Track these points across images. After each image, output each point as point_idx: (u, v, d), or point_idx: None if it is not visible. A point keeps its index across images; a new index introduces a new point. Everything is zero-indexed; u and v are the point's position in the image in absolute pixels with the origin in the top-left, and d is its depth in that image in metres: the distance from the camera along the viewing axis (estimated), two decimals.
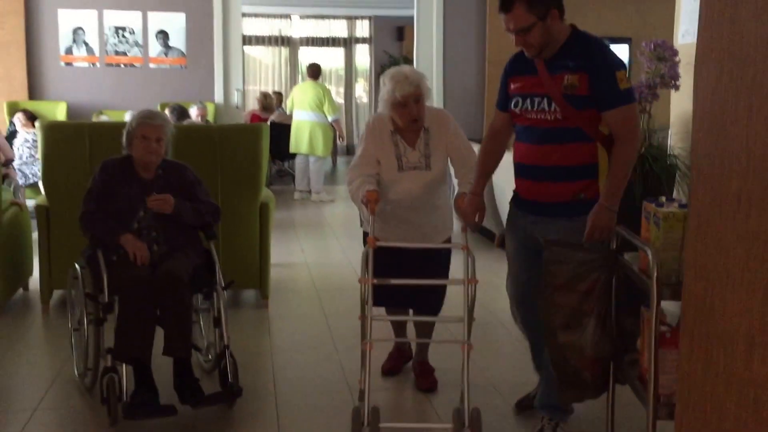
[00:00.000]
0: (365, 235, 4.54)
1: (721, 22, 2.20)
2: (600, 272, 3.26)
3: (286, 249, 8.25)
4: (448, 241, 4.53)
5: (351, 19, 18.94)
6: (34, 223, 6.12)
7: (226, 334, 4.31)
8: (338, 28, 19.12)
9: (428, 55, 11.70)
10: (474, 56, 11.73)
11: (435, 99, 11.46)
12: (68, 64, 10.98)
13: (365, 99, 19.17)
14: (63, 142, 5.79)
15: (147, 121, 4.46)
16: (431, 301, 4.48)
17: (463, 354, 3.82)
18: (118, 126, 4.93)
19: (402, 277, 4.15)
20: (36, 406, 4.29)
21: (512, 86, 3.86)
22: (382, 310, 4.59)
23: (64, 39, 10.90)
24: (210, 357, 4.65)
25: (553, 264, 3.31)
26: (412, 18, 12.16)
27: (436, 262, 4.46)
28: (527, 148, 3.81)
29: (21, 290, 6.36)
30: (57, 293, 6.10)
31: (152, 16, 10.97)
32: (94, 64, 11.01)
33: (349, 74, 19.24)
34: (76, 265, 4.53)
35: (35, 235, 6.14)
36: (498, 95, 4.01)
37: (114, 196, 4.39)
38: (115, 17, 10.92)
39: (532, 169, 3.81)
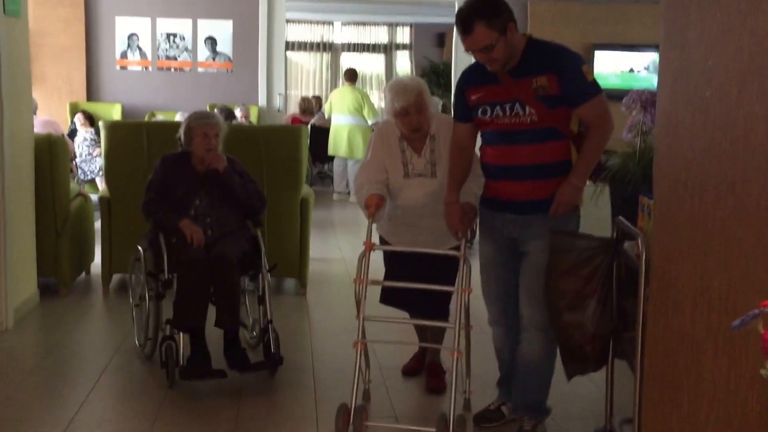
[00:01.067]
0: (381, 238, 4.67)
1: (674, 47, 2.72)
2: (601, 258, 3.61)
3: (325, 245, 8.77)
4: (458, 247, 4.25)
5: (392, 25, 19.30)
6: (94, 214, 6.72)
7: (270, 311, 4.86)
8: (379, 35, 19.59)
9: (467, 61, 11.94)
10: None
11: None
12: (123, 68, 11.61)
13: None
14: (123, 139, 6.39)
15: (206, 120, 5.03)
16: (436, 305, 4.49)
17: (453, 361, 3.82)
18: (172, 125, 5.52)
19: (412, 281, 4.16)
20: (102, 370, 4.89)
21: (472, 97, 3.97)
22: (387, 310, 4.64)
23: (120, 44, 11.53)
24: (254, 333, 5.19)
25: (558, 251, 3.67)
26: (452, 24, 12.47)
27: (443, 267, 4.33)
28: (502, 150, 3.94)
29: (84, 274, 6.97)
30: (116, 277, 6.70)
31: (201, 23, 11.55)
32: (146, 68, 11.62)
33: (390, 80, 19.71)
34: (139, 248, 5.11)
35: (96, 225, 6.75)
36: (455, 107, 4.14)
37: (173, 187, 4.95)
38: (167, 24, 11.52)
39: (510, 170, 3.93)
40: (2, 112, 5.40)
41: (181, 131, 5.06)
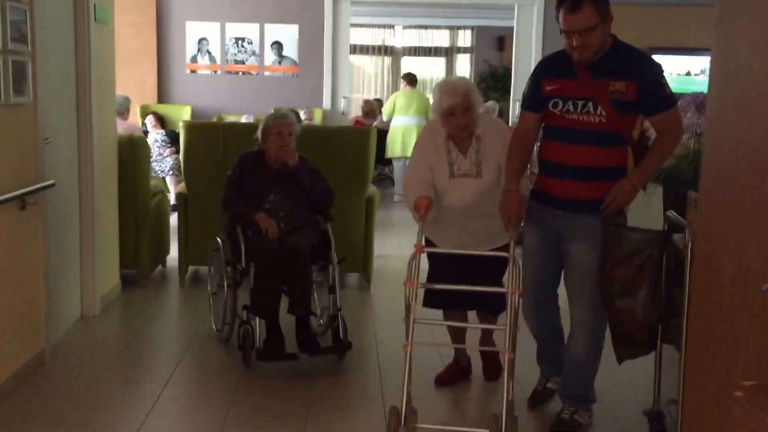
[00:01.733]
0: (426, 239, 4.60)
1: (724, 50, 3.03)
2: (651, 250, 3.86)
3: (386, 243, 9.10)
4: (506, 247, 4.28)
5: (453, 29, 19.61)
6: None
7: (339, 300, 5.24)
8: (441, 38, 19.90)
9: (527, 64, 12.05)
10: None
11: None
12: (193, 71, 12.09)
13: None
14: (201, 139, 6.82)
15: (281, 120, 5.42)
16: (490, 302, 4.59)
17: (505, 362, 3.91)
18: (246, 126, 5.92)
19: (458, 281, 4.22)
20: (183, 353, 5.33)
21: (547, 88, 4.06)
22: (436, 313, 4.75)
23: (190, 48, 12.01)
24: (322, 322, 5.57)
25: (612, 242, 3.93)
26: (512, 28, 12.66)
27: (491, 266, 4.45)
28: (563, 148, 4.06)
29: (160, 267, 7.43)
30: (191, 269, 7.12)
31: (268, 27, 11.98)
32: (215, 72, 12.08)
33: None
34: (218, 239, 5.52)
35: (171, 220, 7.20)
36: (527, 96, 4.19)
37: (249, 183, 5.35)
38: (235, 29, 11.96)
39: (567, 168, 4.05)
40: (91, 115, 5.83)
41: (259, 130, 5.46)
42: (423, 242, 4.21)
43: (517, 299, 3.99)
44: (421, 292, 4.26)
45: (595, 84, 3.93)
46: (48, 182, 4.93)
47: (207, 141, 6.78)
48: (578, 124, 3.98)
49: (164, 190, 7.62)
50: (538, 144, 4.31)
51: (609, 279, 3.97)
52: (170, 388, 4.74)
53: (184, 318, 6.30)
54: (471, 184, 4.44)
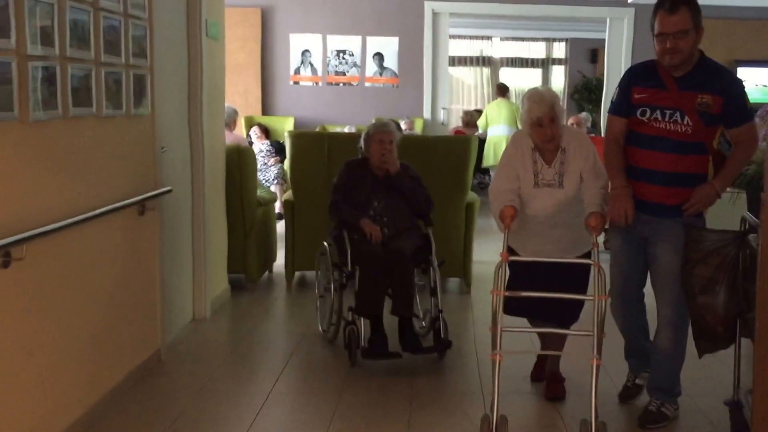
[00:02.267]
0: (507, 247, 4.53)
1: None
2: (729, 249, 4.09)
3: (485, 249, 9.22)
4: (587, 255, 4.54)
5: (548, 41, 19.77)
6: None
7: (440, 301, 5.43)
8: (537, 50, 20.02)
9: (618, 76, 12.21)
10: None
11: None
12: (296, 83, 12.46)
13: None
14: (307, 148, 7.09)
15: (382, 128, 5.65)
16: (565, 313, 4.63)
17: (592, 368, 3.93)
18: (349, 136, 6.17)
19: (538, 290, 4.23)
20: (292, 352, 5.59)
21: (636, 96, 4.29)
22: (517, 320, 4.77)
23: (294, 60, 12.38)
24: (423, 324, 5.76)
25: (693, 243, 4.17)
26: (604, 40, 12.94)
27: (573, 276, 4.54)
28: (648, 154, 4.28)
29: (267, 272, 7.72)
30: (297, 274, 7.39)
31: (370, 40, 12.30)
32: (317, 83, 12.43)
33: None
34: (324, 243, 5.77)
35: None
36: (617, 102, 4.41)
37: (354, 189, 5.58)
38: (337, 41, 12.31)
39: (651, 174, 4.28)
40: (202, 126, 6.14)
41: (362, 139, 5.69)
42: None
43: (603, 306, 4.05)
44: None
45: (683, 96, 4.16)
46: (165, 189, 5.24)
47: (312, 150, 7.05)
48: (665, 132, 4.22)
49: (271, 201, 7.88)
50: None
51: (690, 277, 4.19)
52: (280, 384, 4.99)
53: (291, 320, 6.56)
54: (553, 194, 4.51)
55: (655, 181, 4.29)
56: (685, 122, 4.17)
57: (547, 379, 4.92)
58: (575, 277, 4.54)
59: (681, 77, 4.19)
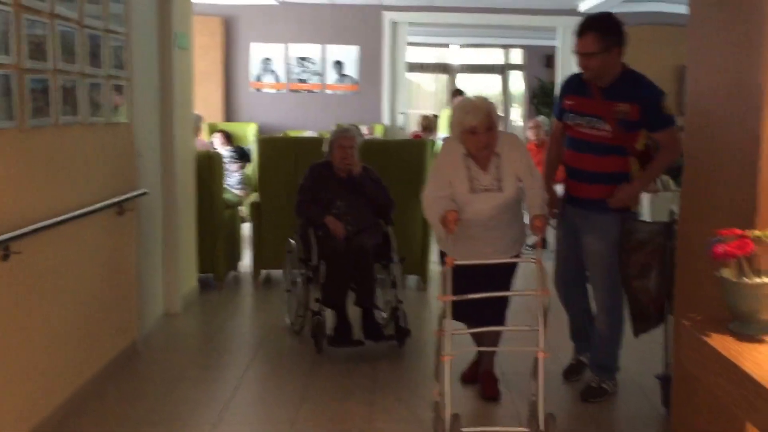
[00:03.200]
0: (441, 253, 4.79)
1: (694, 63, 3.65)
2: (659, 238, 4.61)
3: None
4: (519, 255, 4.84)
5: (506, 48, 20.24)
6: None
7: (399, 293, 5.90)
8: (495, 56, 20.54)
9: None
10: None
11: None
12: (258, 90, 12.86)
13: (520, 122, 20.24)
14: (274, 152, 7.56)
15: (344, 134, 6.10)
16: (497, 313, 4.82)
17: (539, 361, 4.16)
18: (314, 140, 6.61)
19: (472, 293, 4.38)
20: (260, 343, 6.05)
21: (567, 102, 4.87)
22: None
23: (255, 68, 12.79)
24: (385, 315, 6.19)
25: (628, 233, 4.70)
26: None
27: (505, 276, 4.82)
28: (575, 155, 4.86)
29: (233, 272, 8.15)
30: (263, 273, 7.82)
31: (330, 48, 12.75)
32: (279, 90, 12.86)
33: (506, 99, 20.60)
34: (291, 241, 6.22)
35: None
36: (555, 107, 5.08)
37: (319, 190, 6.02)
38: (298, 49, 12.73)
39: (578, 172, 4.85)
40: (173, 132, 6.56)
41: (326, 144, 6.14)
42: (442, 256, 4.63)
43: (546, 301, 4.27)
44: (433, 304, 4.64)
45: (604, 104, 4.70)
46: (142, 191, 5.67)
47: (279, 154, 7.52)
48: (588, 136, 4.78)
49: (237, 203, 8.31)
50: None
51: (626, 264, 4.71)
52: (251, 371, 5.44)
53: (258, 314, 7.00)
54: (492, 198, 4.66)
55: (581, 179, 4.87)
56: (605, 128, 4.70)
57: (483, 380, 5.10)
58: (504, 279, 4.80)
59: (605, 88, 4.73)
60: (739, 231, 2.65)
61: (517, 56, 20.46)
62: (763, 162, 3.00)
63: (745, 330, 2.61)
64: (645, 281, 4.66)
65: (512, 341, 5.36)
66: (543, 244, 4.60)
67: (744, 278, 2.59)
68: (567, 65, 12.99)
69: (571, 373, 5.32)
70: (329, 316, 5.78)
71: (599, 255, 4.84)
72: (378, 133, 12.50)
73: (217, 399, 4.95)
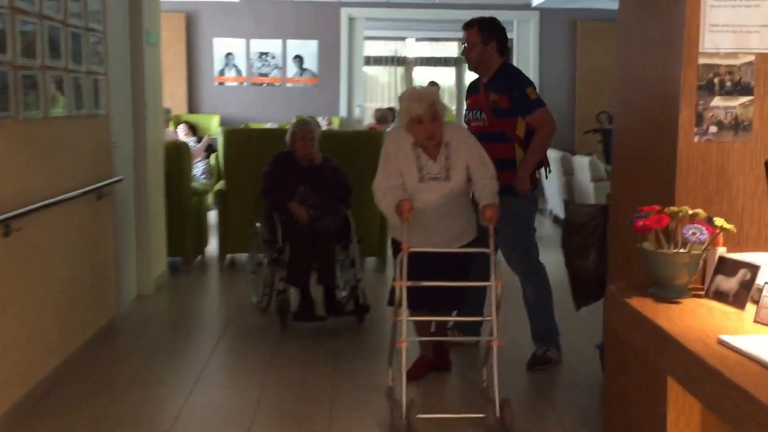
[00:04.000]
0: (393, 241, 5.03)
1: (621, 59, 4.15)
2: (598, 219, 4.93)
3: None
4: (471, 245, 4.90)
5: (461, 41, 20.65)
6: None
7: (358, 272, 6.38)
8: (450, 49, 21.00)
9: (526, 74, 13.16)
10: (566, 76, 13.50)
11: None
12: (221, 83, 13.29)
13: None
14: (239, 143, 8.03)
15: (304, 126, 6.57)
16: (457, 300, 5.01)
17: (493, 349, 4.37)
18: (276, 132, 7.08)
19: (428, 280, 4.52)
20: (228, 321, 6.52)
21: (467, 101, 5.63)
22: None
23: (218, 63, 13.21)
24: (344, 293, 6.65)
25: (569, 215, 5.09)
26: (514, 40, 13.78)
27: (461, 264, 4.92)
28: None
29: (200, 256, 8.59)
30: (228, 256, 8.31)
31: (290, 43, 13.22)
32: (241, 84, 13.29)
33: (460, 91, 21.08)
34: (257, 225, 6.68)
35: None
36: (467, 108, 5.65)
37: (282, 177, 6.47)
38: (259, 44, 13.20)
39: None
40: (145, 124, 6.99)
41: (288, 135, 6.60)
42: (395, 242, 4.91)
43: (501, 290, 4.48)
44: (381, 294, 4.83)
45: (484, 97, 5.38)
46: (118, 177, 6.10)
47: (243, 144, 8.00)
48: (475, 128, 5.38)
49: (204, 192, 8.75)
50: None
51: (568, 245, 5.10)
52: (222, 343, 5.91)
53: (226, 295, 7.47)
54: (441, 187, 4.76)
55: None
56: (483, 118, 5.35)
57: (436, 353, 5.27)
58: (459, 265, 4.90)
59: (486, 83, 5.42)
60: (657, 207, 3.12)
61: None
62: (680, 148, 3.45)
63: (663, 293, 3.04)
64: (584, 260, 5.03)
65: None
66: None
67: (661, 249, 3.04)
68: (524, 58, 13.48)
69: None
70: (293, 294, 6.25)
71: (505, 234, 5.28)
72: (335, 125, 12.93)
73: (194, 366, 5.41)
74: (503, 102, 5.31)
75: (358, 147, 7.97)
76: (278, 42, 13.22)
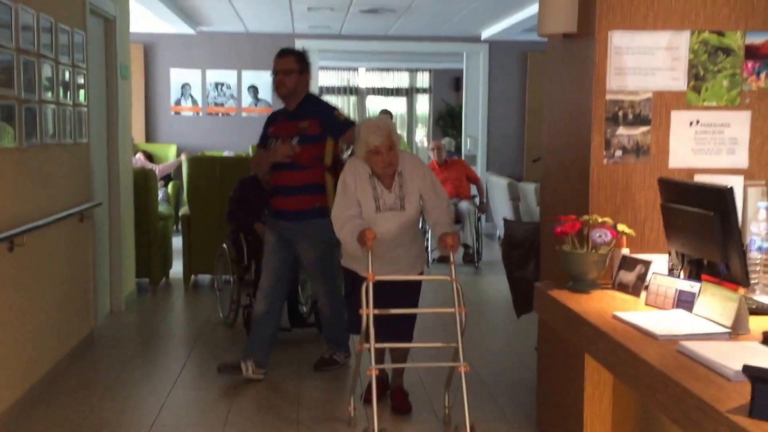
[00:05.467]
0: (345, 270, 5.24)
1: (553, 98, 4.98)
2: (535, 236, 5.62)
3: None
4: (421, 273, 5.20)
5: (412, 71, 21.41)
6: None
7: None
8: (401, 79, 21.74)
9: (476, 104, 14.17)
10: (516, 105, 14.15)
11: (480, 143, 14.08)
12: (177, 113, 13.93)
13: (425, 143, 21.35)
14: (201, 169, 8.79)
15: None
16: (406, 329, 5.17)
17: (461, 374, 4.56)
18: (237, 159, 7.82)
19: (381, 308, 4.66)
20: (197, 334, 7.23)
21: (270, 130, 5.87)
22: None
23: (174, 92, 13.88)
24: (306, 308, 7.37)
25: (509, 232, 5.84)
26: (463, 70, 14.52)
27: (413, 293, 5.17)
28: (278, 175, 5.76)
29: (165, 278, 9.31)
30: (192, 278, 9.06)
31: (245, 74, 13.91)
32: (197, 113, 13.92)
33: (411, 120, 21.80)
34: (223, 245, 7.43)
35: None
36: (260, 136, 6.02)
37: (248, 201, 7.20)
38: (215, 75, 13.88)
39: (284, 188, 5.74)
40: (118, 152, 7.73)
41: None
42: (345, 272, 5.23)
43: (464, 318, 4.69)
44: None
45: (291, 125, 5.77)
46: (98, 201, 6.83)
47: (207, 171, 8.74)
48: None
49: (169, 216, 9.49)
50: None
51: (509, 259, 5.81)
52: (193, 358, 6.57)
53: (193, 312, 8.20)
54: (395, 216, 4.94)
55: (285, 193, 5.82)
56: (294, 144, 5.68)
57: (394, 395, 5.37)
58: (410, 295, 5.17)
59: (292, 112, 5.82)
60: (573, 216, 3.89)
61: (424, 79, 21.49)
62: (592, 168, 4.21)
63: (577, 287, 3.81)
64: (524, 272, 5.64)
65: (425, 357, 6.01)
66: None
67: (575, 250, 3.81)
68: (473, 88, 14.08)
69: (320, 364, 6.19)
70: None
71: (310, 256, 5.83)
72: None
73: (170, 373, 6.12)
74: (314, 127, 5.71)
75: None
76: (233, 72, 13.87)
